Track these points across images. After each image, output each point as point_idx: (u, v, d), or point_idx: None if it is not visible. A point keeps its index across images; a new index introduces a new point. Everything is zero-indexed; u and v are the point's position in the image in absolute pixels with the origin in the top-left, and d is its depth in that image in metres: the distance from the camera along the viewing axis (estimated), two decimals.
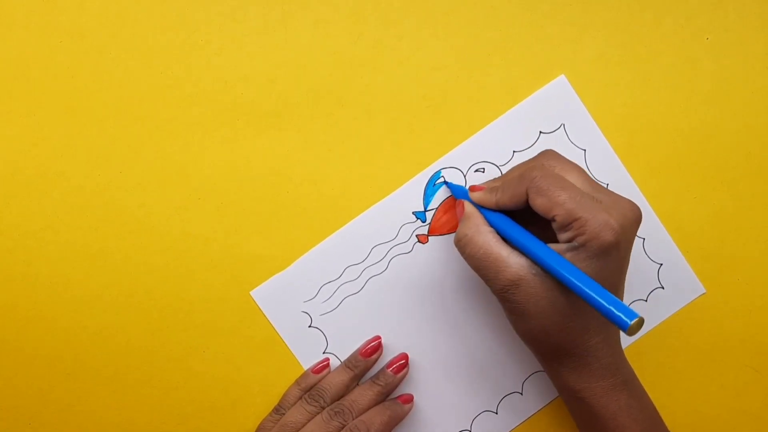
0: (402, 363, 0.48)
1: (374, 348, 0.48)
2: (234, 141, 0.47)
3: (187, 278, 0.48)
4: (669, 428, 0.44)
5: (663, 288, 0.48)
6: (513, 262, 0.40)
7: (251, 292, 0.48)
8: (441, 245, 0.48)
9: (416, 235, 0.48)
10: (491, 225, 0.42)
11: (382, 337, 0.48)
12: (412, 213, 0.48)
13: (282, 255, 0.48)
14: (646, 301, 0.49)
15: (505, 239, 0.41)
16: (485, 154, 0.47)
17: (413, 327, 0.49)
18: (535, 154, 0.47)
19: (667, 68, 0.47)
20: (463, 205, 0.44)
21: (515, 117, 0.47)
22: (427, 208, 0.48)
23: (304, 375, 0.48)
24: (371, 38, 0.46)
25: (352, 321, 0.49)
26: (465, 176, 0.47)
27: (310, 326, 0.49)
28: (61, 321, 0.48)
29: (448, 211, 0.48)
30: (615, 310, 0.36)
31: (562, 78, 0.47)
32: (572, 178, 0.40)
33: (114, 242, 0.48)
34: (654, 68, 0.47)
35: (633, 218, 0.40)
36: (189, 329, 0.49)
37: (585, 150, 0.47)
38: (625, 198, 0.40)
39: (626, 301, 0.48)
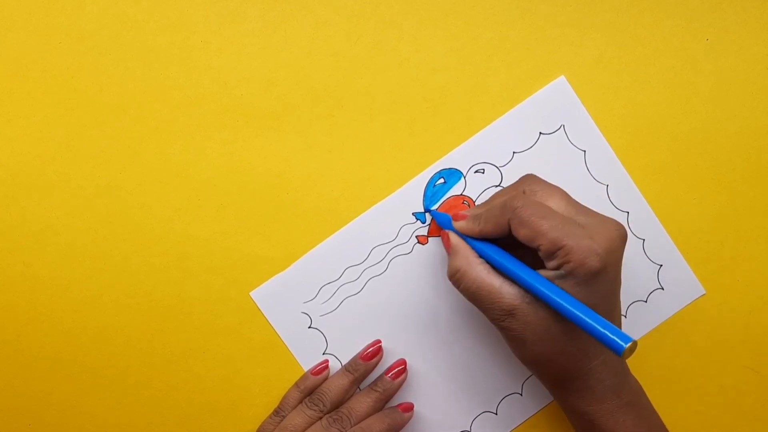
0: (400, 369, 0.48)
1: (374, 352, 0.48)
2: (234, 142, 0.47)
3: (187, 279, 0.48)
4: (669, 429, 0.44)
5: (663, 289, 0.48)
6: (506, 292, 0.40)
7: (251, 293, 0.48)
8: (441, 246, 0.48)
9: (416, 236, 0.48)
10: (480, 254, 0.42)
11: (382, 340, 0.49)
12: (412, 214, 0.48)
13: (282, 256, 0.48)
14: (645, 302, 0.49)
15: (496, 268, 0.41)
16: (485, 155, 0.47)
17: (413, 327, 0.49)
18: (536, 155, 0.47)
19: (667, 69, 0.47)
20: (448, 236, 0.44)
21: (515, 118, 0.47)
22: (427, 209, 0.48)
23: (304, 377, 0.48)
24: (371, 40, 0.46)
25: (352, 322, 0.49)
26: (465, 177, 0.47)
27: (309, 327, 0.49)
28: (61, 322, 0.48)
29: (448, 211, 0.48)
30: (609, 334, 0.36)
31: (562, 79, 0.47)
32: (554, 203, 0.40)
33: (114, 243, 0.48)
34: (654, 69, 0.47)
35: (618, 239, 0.39)
36: (189, 330, 0.49)
37: (585, 151, 0.47)
38: (609, 218, 0.40)
39: (626, 302, 0.48)
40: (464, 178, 0.47)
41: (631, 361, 0.45)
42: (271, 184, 0.47)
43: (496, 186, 0.47)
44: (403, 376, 0.48)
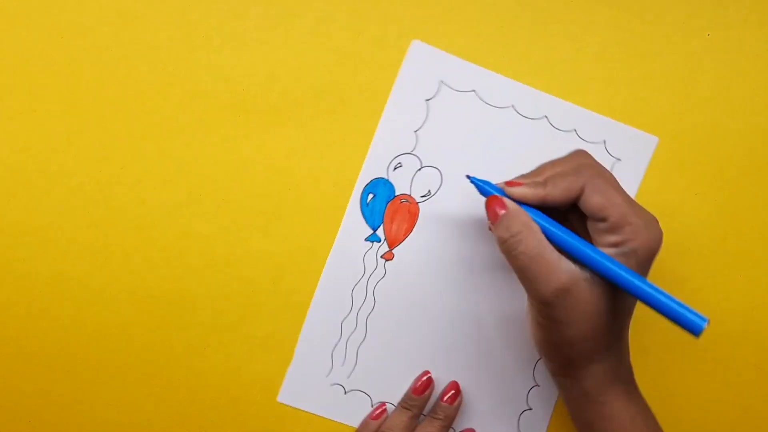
0: (454, 392, 0.47)
1: (425, 384, 0.47)
2: (235, 138, 0.47)
3: (188, 275, 0.48)
4: (671, 425, 0.43)
5: None
6: (564, 267, 0.37)
7: (279, 400, 0.48)
8: (407, 251, 0.47)
9: (381, 257, 0.47)
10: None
11: (413, 363, 0.48)
12: (365, 240, 0.47)
13: (284, 252, 0.47)
14: None
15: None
16: (393, 149, 0.47)
17: (428, 335, 0.48)
18: (435, 121, 0.47)
19: (667, 65, 0.47)
20: (502, 201, 0.40)
21: (397, 100, 0.47)
22: (376, 228, 0.47)
23: (365, 423, 0.48)
24: (373, 35, 0.46)
25: (377, 365, 0.48)
26: (389, 179, 0.47)
27: (345, 393, 0.48)
28: (61, 319, 0.48)
29: (394, 219, 0.47)
30: (687, 314, 0.36)
31: (415, 43, 0.46)
32: (613, 183, 0.40)
33: (115, 240, 0.47)
34: (654, 65, 0.47)
35: (661, 234, 0.39)
36: (190, 327, 0.48)
37: (474, 90, 0.47)
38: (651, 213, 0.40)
39: None
40: (389, 180, 0.47)
41: (635, 358, 0.45)
42: (272, 179, 0.47)
43: (418, 169, 0.47)
44: (459, 398, 0.47)
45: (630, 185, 0.47)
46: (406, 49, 0.46)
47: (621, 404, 0.40)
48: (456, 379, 0.48)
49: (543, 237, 0.38)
